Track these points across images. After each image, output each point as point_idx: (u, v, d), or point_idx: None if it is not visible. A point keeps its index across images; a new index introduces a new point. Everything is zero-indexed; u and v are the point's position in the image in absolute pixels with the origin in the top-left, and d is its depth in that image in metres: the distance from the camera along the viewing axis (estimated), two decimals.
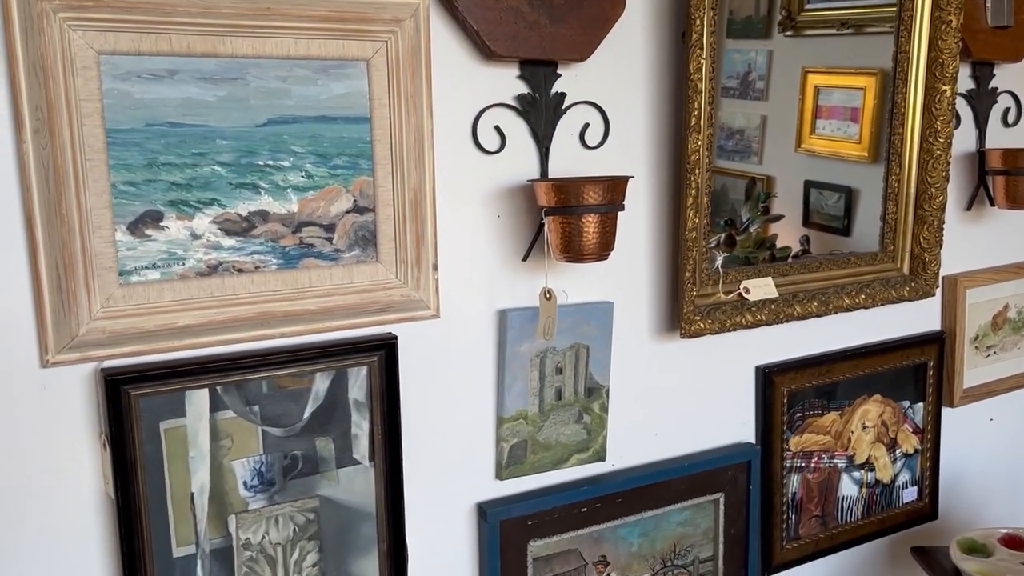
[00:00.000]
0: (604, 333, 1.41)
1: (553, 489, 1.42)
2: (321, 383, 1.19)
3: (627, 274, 1.44)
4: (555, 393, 1.39)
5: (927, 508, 1.86)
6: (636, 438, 1.50)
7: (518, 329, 1.33)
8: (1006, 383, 1.92)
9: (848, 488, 1.74)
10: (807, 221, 1.63)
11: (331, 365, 1.19)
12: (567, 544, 1.44)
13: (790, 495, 1.67)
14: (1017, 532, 1.70)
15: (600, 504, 1.45)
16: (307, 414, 1.19)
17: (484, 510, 1.35)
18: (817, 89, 1.60)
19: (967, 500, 1.94)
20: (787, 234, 1.59)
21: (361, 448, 1.23)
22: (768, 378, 1.61)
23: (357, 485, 1.24)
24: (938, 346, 1.80)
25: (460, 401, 1.33)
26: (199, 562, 1.14)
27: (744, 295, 1.51)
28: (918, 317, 1.79)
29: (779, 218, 1.59)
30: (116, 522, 1.08)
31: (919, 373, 1.79)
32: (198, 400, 1.11)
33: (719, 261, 1.48)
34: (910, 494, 1.83)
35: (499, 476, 1.38)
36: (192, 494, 1.13)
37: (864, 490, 1.77)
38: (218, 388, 1.12)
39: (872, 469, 1.77)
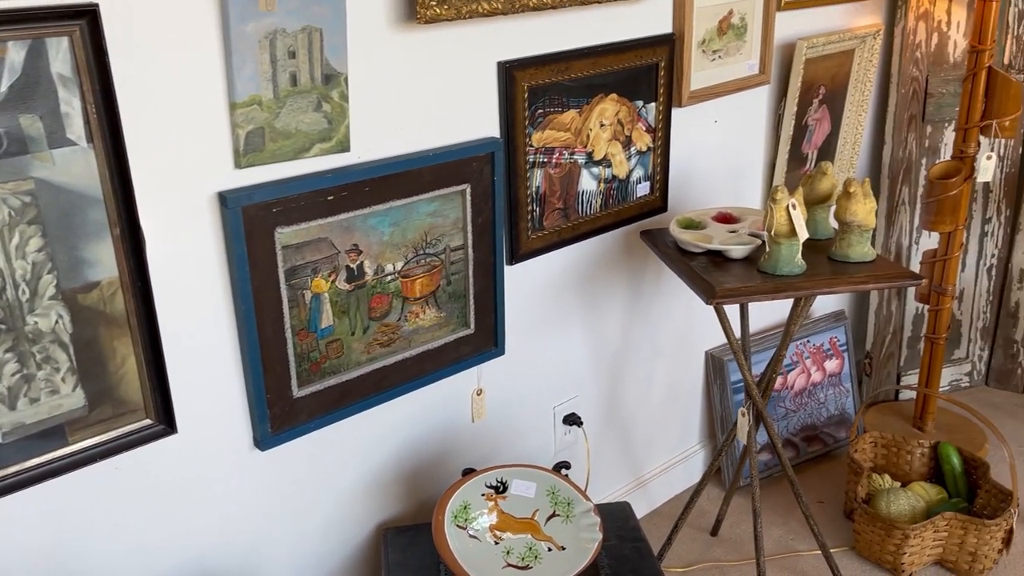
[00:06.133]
0: (337, 16, 1.38)
1: (298, 179, 1.43)
2: (15, 54, 1.10)
3: None
4: (290, 78, 1.36)
5: (658, 201, 2.06)
6: (380, 131, 1.52)
7: (240, 6, 1.27)
8: (728, 86, 2.10)
9: (587, 183, 1.89)
10: None
11: (22, 33, 1.09)
12: (317, 232, 1.48)
13: (534, 188, 1.79)
14: (727, 210, 1.94)
15: (347, 192, 1.48)
16: (3, 88, 1.10)
17: (225, 196, 1.35)
18: None
19: (693, 194, 2.16)
20: None
21: (75, 128, 1.17)
22: (510, 73, 1.66)
23: (76, 167, 1.18)
24: (669, 47, 1.93)
25: (186, 83, 1.27)
26: None
27: None
28: (651, 22, 1.89)
29: None
30: None
31: (651, 74, 1.92)
32: None
33: None
34: (643, 188, 2.02)
35: (238, 164, 1.36)
36: None
37: (602, 185, 1.92)
38: None
39: (609, 165, 1.92)
